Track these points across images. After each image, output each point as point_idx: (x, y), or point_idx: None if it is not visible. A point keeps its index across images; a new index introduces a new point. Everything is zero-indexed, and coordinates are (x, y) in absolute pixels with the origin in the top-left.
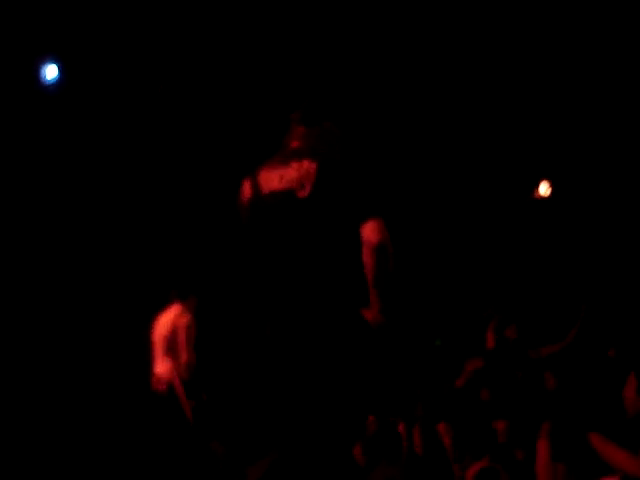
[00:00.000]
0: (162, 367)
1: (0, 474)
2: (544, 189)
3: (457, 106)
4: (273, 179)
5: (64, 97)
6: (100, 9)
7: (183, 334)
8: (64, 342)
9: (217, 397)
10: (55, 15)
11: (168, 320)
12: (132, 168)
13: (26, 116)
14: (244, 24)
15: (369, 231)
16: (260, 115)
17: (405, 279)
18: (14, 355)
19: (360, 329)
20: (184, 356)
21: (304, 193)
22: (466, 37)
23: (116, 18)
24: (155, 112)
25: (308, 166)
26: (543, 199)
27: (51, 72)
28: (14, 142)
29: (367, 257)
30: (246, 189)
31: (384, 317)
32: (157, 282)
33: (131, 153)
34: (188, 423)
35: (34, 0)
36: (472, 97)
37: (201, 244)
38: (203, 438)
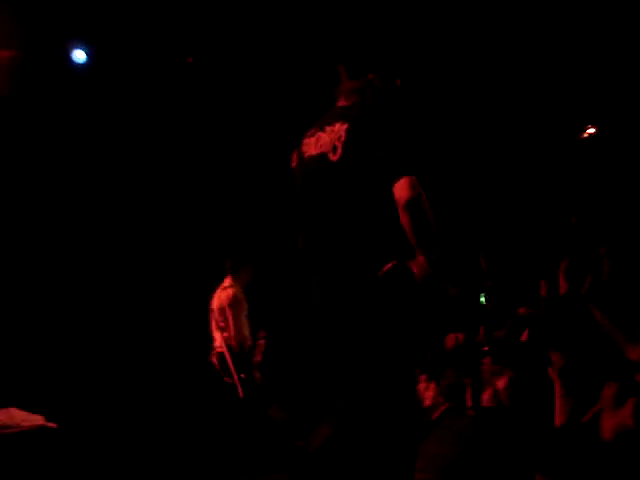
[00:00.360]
0: (217, 339)
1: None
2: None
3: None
4: (311, 144)
5: (92, 79)
6: None
7: (229, 309)
8: (125, 312)
9: (271, 367)
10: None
11: (221, 294)
12: (179, 136)
13: (55, 97)
14: None
15: (399, 189)
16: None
17: (447, 232)
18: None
19: (407, 282)
20: (232, 330)
21: (335, 157)
22: None
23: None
24: (195, 81)
25: (339, 128)
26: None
27: (80, 55)
28: (42, 123)
29: (401, 214)
30: (294, 155)
31: (430, 269)
32: (217, 254)
33: (181, 122)
34: (241, 393)
35: None
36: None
37: (256, 215)
38: (259, 407)
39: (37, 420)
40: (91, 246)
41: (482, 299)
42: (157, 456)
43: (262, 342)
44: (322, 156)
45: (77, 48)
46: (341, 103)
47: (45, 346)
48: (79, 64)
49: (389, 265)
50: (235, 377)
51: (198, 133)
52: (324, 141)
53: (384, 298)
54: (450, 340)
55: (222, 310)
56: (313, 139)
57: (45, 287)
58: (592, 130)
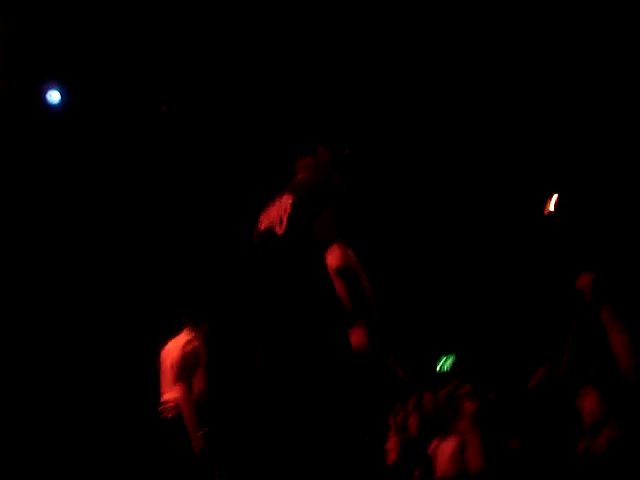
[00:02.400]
0: (171, 394)
1: None
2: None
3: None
4: (264, 217)
5: (67, 119)
6: (102, 32)
7: (195, 361)
8: (73, 365)
9: (223, 423)
10: (58, 39)
11: (179, 346)
12: (140, 189)
13: (30, 137)
14: (245, 49)
15: (329, 257)
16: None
17: (390, 300)
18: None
19: (346, 351)
20: (195, 383)
21: (280, 230)
22: (474, 53)
23: (118, 41)
24: (162, 132)
25: (285, 202)
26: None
27: (55, 96)
28: (18, 162)
29: (334, 282)
30: (257, 225)
31: (369, 340)
32: (169, 307)
33: (138, 176)
34: (192, 449)
35: (39, 26)
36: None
37: (214, 271)
38: (207, 463)
39: None
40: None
41: (444, 365)
42: None
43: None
44: (269, 230)
45: (52, 89)
46: (299, 177)
47: None
48: (53, 105)
49: (328, 334)
50: (193, 431)
51: (166, 179)
52: (272, 214)
53: (325, 366)
54: (427, 399)
55: (182, 363)
56: (265, 213)
57: None
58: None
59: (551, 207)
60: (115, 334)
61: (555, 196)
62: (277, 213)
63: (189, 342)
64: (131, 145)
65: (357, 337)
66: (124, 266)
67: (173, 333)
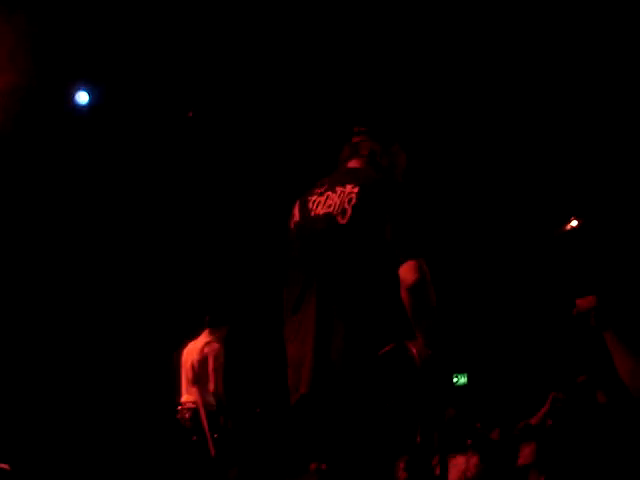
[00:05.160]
0: (189, 395)
1: None
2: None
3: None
4: (318, 203)
5: (95, 121)
6: (131, 35)
7: (212, 362)
8: (93, 366)
9: (241, 426)
10: (87, 40)
11: (198, 347)
12: (165, 189)
13: (57, 138)
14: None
15: (404, 271)
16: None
17: (449, 314)
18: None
19: (405, 362)
20: (212, 385)
21: (344, 220)
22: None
23: (146, 43)
24: (187, 133)
25: (350, 191)
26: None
27: (83, 97)
28: (45, 164)
29: (404, 296)
30: (295, 213)
31: (429, 351)
32: (189, 308)
33: (164, 176)
34: (209, 451)
35: (69, 26)
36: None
37: (237, 272)
38: (223, 466)
39: None
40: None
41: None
42: None
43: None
44: (329, 217)
45: (80, 90)
46: (352, 164)
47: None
48: (81, 106)
49: (390, 346)
50: (208, 435)
51: (189, 183)
52: (333, 201)
53: (380, 376)
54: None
55: (200, 365)
56: (322, 198)
57: None
58: (574, 223)
59: (568, 227)
60: (137, 335)
61: (574, 221)
62: (340, 201)
63: (208, 344)
64: (156, 146)
65: (419, 346)
66: (148, 267)
67: (194, 335)
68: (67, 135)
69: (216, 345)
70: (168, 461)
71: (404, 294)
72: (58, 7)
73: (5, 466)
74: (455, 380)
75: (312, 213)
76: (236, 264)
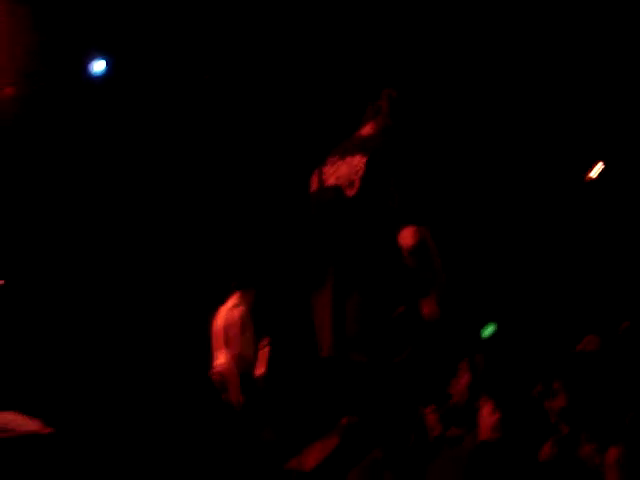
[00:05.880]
0: (220, 358)
1: None
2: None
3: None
4: (330, 173)
5: (111, 90)
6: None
7: (239, 326)
8: (128, 332)
9: (271, 389)
10: (103, 12)
11: (226, 312)
12: (184, 159)
13: (73, 107)
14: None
15: (403, 237)
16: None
17: (457, 274)
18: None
19: (416, 320)
20: (239, 348)
21: (352, 191)
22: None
23: (161, 14)
24: (212, 96)
25: (358, 161)
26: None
27: (99, 66)
28: (61, 132)
29: (407, 260)
30: (313, 181)
31: (440, 310)
32: (221, 273)
33: (196, 136)
34: (238, 414)
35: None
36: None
37: (264, 236)
38: (254, 427)
39: (33, 425)
40: (95, 252)
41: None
42: (151, 470)
43: (266, 351)
44: (338, 189)
45: (96, 59)
46: (363, 131)
47: (49, 351)
48: (98, 75)
49: (401, 308)
50: (235, 397)
51: (211, 146)
52: (342, 172)
53: (396, 336)
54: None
55: (229, 328)
56: (333, 168)
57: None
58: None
59: (593, 174)
60: (169, 300)
61: (600, 164)
62: (348, 172)
63: (235, 307)
64: (175, 117)
65: (429, 307)
66: (173, 235)
67: (224, 299)
68: (85, 105)
69: (244, 308)
70: (203, 423)
71: (407, 259)
72: None
73: (49, 430)
74: (483, 330)
75: (324, 184)
76: (260, 229)
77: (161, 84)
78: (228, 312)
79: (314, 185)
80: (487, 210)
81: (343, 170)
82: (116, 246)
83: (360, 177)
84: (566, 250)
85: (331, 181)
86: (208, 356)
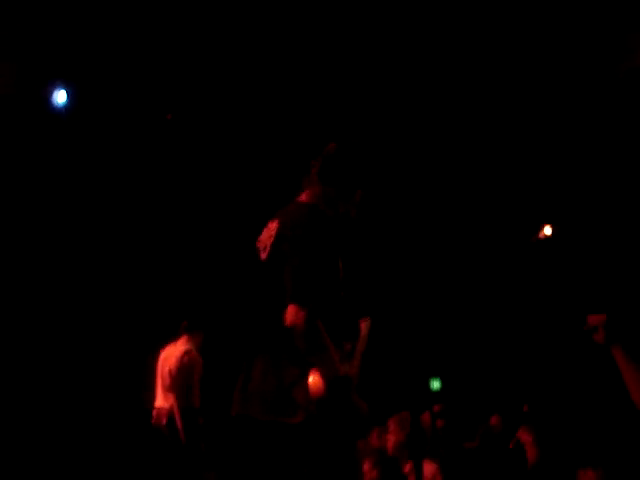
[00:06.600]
0: (164, 401)
1: None
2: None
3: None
4: (260, 238)
5: (74, 121)
6: (109, 36)
7: (192, 370)
8: (69, 366)
9: (215, 431)
10: (65, 41)
11: (177, 354)
12: (142, 196)
13: (36, 139)
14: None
15: (285, 313)
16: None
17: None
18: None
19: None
20: (193, 394)
21: (264, 255)
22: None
23: (125, 44)
24: (166, 139)
25: (273, 227)
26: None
27: (61, 96)
28: (23, 164)
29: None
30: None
31: (326, 386)
32: (164, 314)
33: (141, 181)
34: (184, 456)
35: (44, 26)
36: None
37: (212, 279)
38: (199, 469)
39: None
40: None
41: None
42: None
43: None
44: (257, 251)
45: (58, 90)
46: (302, 197)
47: None
48: (60, 106)
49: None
50: (184, 438)
51: (165, 189)
52: (263, 236)
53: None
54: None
55: (180, 372)
56: (265, 229)
57: None
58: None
59: (544, 233)
60: (112, 337)
61: (547, 227)
62: (267, 236)
63: (188, 351)
64: (135, 149)
65: (314, 380)
66: (124, 270)
67: (170, 339)
68: (46, 136)
69: (196, 354)
70: (144, 466)
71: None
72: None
73: None
74: (430, 385)
75: (257, 243)
76: (211, 270)
77: (125, 114)
78: (180, 355)
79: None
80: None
81: (263, 234)
82: (59, 279)
83: (271, 243)
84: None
85: (259, 242)
86: (146, 396)
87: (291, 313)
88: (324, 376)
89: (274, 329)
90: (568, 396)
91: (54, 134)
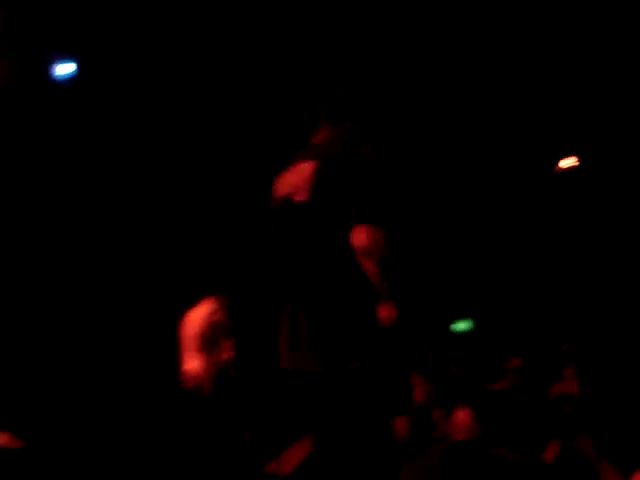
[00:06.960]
0: (193, 364)
1: None
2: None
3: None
4: (281, 184)
5: (78, 93)
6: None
7: (220, 331)
8: (95, 335)
9: (248, 391)
10: (70, 12)
11: (202, 316)
12: (156, 163)
13: (39, 111)
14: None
15: (355, 237)
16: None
17: (415, 276)
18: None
19: (375, 325)
20: (220, 353)
21: (300, 198)
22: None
23: (130, 16)
24: (176, 107)
25: (304, 169)
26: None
27: (66, 68)
28: (27, 137)
29: (361, 261)
30: (272, 192)
31: (396, 314)
32: (189, 277)
33: (154, 149)
34: (216, 417)
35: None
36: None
37: (235, 241)
38: (231, 429)
39: (1, 438)
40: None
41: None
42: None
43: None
44: (287, 198)
45: (62, 62)
46: (317, 139)
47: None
48: (64, 78)
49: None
50: (213, 401)
51: (181, 153)
52: (290, 182)
53: (351, 344)
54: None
55: (207, 333)
56: (284, 179)
57: None
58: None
59: (565, 164)
60: (135, 302)
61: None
62: (295, 180)
63: (214, 313)
64: (143, 116)
65: (386, 312)
66: (143, 237)
67: (195, 302)
68: (51, 108)
69: (221, 313)
70: (176, 430)
71: (360, 259)
72: None
73: (18, 443)
74: (456, 327)
75: (277, 194)
76: (233, 233)
77: (130, 88)
78: (206, 317)
79: (272, 197)
80: (457, 205)
81: (290, 180)
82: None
83: (308, 183)
84: (537, 243)
85: (282, 191)
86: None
87: (365, 235)
88: (397, 306)
89: (317, 279)
90: (610, 335)
91: (57, 106)
